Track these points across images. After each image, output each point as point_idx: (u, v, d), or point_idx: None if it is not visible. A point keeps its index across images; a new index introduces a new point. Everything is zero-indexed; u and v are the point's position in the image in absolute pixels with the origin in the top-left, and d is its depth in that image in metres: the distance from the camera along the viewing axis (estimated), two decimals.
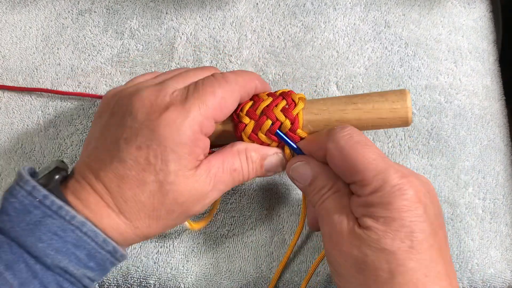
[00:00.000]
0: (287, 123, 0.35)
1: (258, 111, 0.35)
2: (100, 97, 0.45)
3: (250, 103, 0.36)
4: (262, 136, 0.36)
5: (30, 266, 0.29)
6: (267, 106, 0.35)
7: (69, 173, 0.33)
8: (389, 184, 0.30)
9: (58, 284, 0.30)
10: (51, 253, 0.29)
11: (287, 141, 0.36)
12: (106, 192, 0.31)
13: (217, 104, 0.33)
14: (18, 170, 0.32)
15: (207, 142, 0.33)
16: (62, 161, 0.34)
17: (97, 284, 0.41)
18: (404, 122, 0.35)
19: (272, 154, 0.36)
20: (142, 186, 0.31)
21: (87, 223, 0.30)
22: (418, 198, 0.30)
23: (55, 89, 0.46)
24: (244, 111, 0.35)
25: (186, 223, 0.38)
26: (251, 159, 0.35)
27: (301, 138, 0.36)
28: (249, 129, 0.35)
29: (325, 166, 0.34)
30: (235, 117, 0.36)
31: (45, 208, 0.30)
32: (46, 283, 0.29)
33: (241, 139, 0.36)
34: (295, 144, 0.36)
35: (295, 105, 0.36)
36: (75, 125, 0.45)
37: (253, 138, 0.36)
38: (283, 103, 0.35)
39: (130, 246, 0.42)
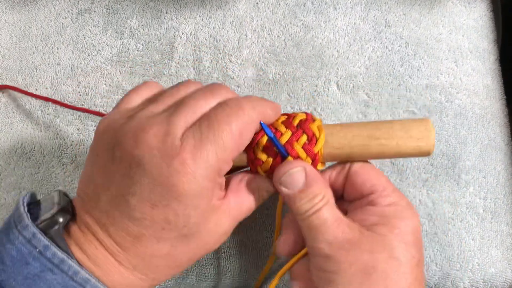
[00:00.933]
0: (308, 160, 0.33)
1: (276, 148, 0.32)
2: (101, 114, 0.43)
3: (266, 138, 0.32)
4: (259, 153, 0.33)
5: None
6: (287, 141, 0.32)
7: (70, 209, 0.30)
8: (405, 203, 0.32)
9: None
10: None
11: (282, 151, 0.33)
12: (118, 250, 0.28)
13: (235, 142, 0.29)
14: (17, 204, 0.28)
15: (224, 181, 0.31)
16: (66, 195, 0.31)
17: None
18: (426, 155, 0.34)
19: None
20: (162, 243, 0.28)
21: (92, 279, 0.27)
22: (419, 227, 0.32)
23: (54, 89, 0.46)
24: (261, 147, 0.32)
25: None
26: (262, 198, 0.33)
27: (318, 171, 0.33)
28: (267, 165, 0.33)
29: (320, 175, 0.33)
30: (250, 153, 0.33)
31: (46, 261, 0.27)
32: None
33: (255, 172, 0.34)
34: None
35: (317, 140, 0.33)
36: (75, 125, 0.45)
37: (269, 172, 0.33)
38: (303, 139, 0.33)
39: None
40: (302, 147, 0.32)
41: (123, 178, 0.28)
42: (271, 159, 0.32)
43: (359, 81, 0.45)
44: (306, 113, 0.34)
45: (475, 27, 0.47)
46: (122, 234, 0.28)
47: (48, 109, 0.45)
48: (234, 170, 0.35)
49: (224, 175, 0.31)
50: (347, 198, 0.35)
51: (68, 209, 0.29)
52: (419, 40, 0.47)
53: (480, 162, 0.44)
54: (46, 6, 0.48)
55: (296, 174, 0.32)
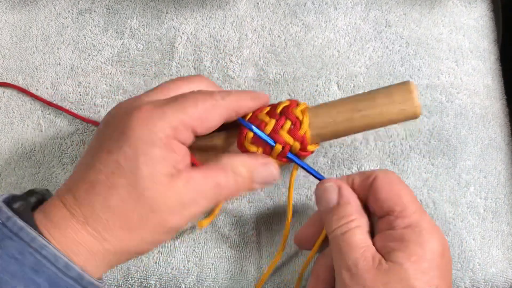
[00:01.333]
0: (297, 144, 0.34)
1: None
2: (95, 122, 0.44)
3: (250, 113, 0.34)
4: (249, 145, 0.34)
5: None
6: (272, 130, 0.34)
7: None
8: (427, 223, 0.31)
9: None
10: (6, 278, 0.26)
11: (308, 169, 0.34)
12: (74, 202, 0.29)
13: (197, 114, 0.30)
14: None
15: (184, 151, 0.31)
16: (47, 190, 0.33)
17: None
18: (414, 118, 0.34)
19: (263, 166, 0.33)
20: (111, 190, 0.29)
21: (48, 246, 0.27)
22: (446, 247, 0.31)
23: (55, 89, 0.46)
24: (249, 140, 0.34)
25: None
26: (239, 173, 0.32)
27: (312, 152, 0.35)
28: (250, 134, 0.34)
29: (355, 196, 0.33)
30: (242, 148, 0.34)
31: (6, 230, 0.27)
32: None
33: None
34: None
35: (301, 123, 0.34)
36: (75, 125, 0.45)
37: None
38: (288, 124, 0.34)
39: None
40: (288, 133, 0.33)
41: (96, 138, 0.31)
42: (261, 149, 0.34)
43: (360, 81, 0.45)
44: (290, 100, 0.35)
45: (475, 27, 0.47)
46: (80, 185, 0.29)
47: (48, 109, 0.45)
48: None
49: None
50: (373, 212, 0.34)
51: (39, 191, 0.31)
52: (419, 40, 0.47)
53: (481, 162, 0.44)
54: (47, 6, 0.48)
55: (330, 189, 0.33)
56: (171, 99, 0.31)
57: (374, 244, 0.31)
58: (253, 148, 0.34)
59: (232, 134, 0.36)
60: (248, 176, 0.33)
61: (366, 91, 0.36)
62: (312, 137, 0.34)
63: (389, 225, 0.31)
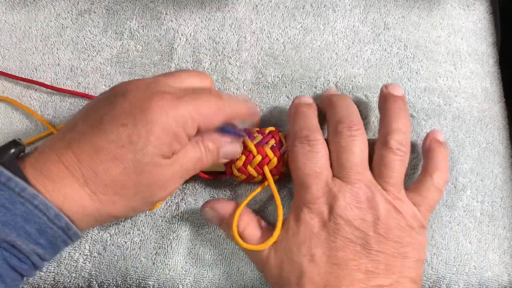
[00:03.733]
0: (275, 160, 0.39)
1: (252, 167, 0.39)
2: (88, 96, 0.46)
3: (242, 159, 0.39)
4: (250, 169, 0.39)
5: None
6: (259, 162, 0.39)
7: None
8: (306, 196, 0.36)
9: (5, 259, 0.29)
10: None
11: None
12: (75, 162, 0.30)
13: (207, 113, 0.34)
14: None
15: (186, 142, 0.34)
16: (19, 139, 0.34)
17: (96, 284, 0.42)
18: None
19: (228, 143, 0.37)
20: (117, 161, 0.31)
21: (39, 196, 0.29)
22: (322, 216, 0.35)
23: None
24: (237, 167, 0.39)
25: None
26: (208, 148, 0.36)
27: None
28: (239, 162, 0.39)
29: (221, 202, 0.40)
30: (228, 169, 0.40)
31: None
32: None
33: (230, 173, 0.40)
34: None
35: (282, 144, 0.39)
36: None
37: (242, 171, 0.39)
38: (272, 142, 0.39)
39: (127, 246, 0.42)
40: (270, 148, 0.39)
41: (106, 105, 0.32)
42: (244, 157, 0.39)
43: (358, 83, 0.45)
44: (276, 128, 0.41)
45: (474, 30, 0.47)
46: (84, 146, 0.31)
47: (47, 109, 0.45)
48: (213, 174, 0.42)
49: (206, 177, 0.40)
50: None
51: (21, 143, 0.33)
52: (418, 43, 0.47)
53: (478, 165, 0.44)
54: (46, 7, 0.48)
55: (210, 212, 0.40)
56: (189, 93, 0.34)
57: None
58: (239, 175, 0.40)
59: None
60: (216, 151, 0.36)
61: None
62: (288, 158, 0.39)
63: None
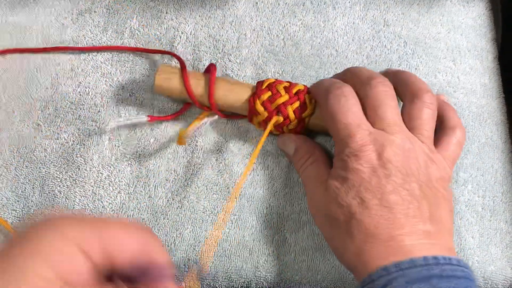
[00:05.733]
0: (295, 123, 0.40)
1: (274, 105, 0.40)
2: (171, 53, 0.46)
3: (268, 94, 0.40)
4: (258, 105, 0.40)
5: None
6: (283, 103, 0.40)
7: None
8: (352, 145, 0.35)
9: None
10: None
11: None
12: None
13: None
14: None
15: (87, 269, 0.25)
16: None
17: None
18: None
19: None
20: None
21: None
22: (372, 166, 0.35)
23: (55, 89, 0.46)
24: (261, 101, 0.40)
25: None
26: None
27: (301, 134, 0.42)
28: (261, 117, 0.41)
29: (305, 139, 0.41)
30: (251, 102, 0.40)
31: None
32: None
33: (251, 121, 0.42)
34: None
35: (306, 108, 0.40)
36: (76, 125, 0.45)
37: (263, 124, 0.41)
38: (296, 104, 0.40)
39: None
40: (293, 111, 0.40)
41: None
42: (266, 113, 0.40)
43: None
44: (304, 85, 0.41)
45: (473, 26, 0.48)
46: None
47: (48, 108, 0.45)
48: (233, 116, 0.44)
49: (223, 116, 0.43)
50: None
51: None
52: (417, 39, 0.47)
53: (478, 160, 0.44)
54: (47, 7, 0.48)
55: (287, 140, 0.41)
56: None
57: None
58: (260, 108, 0.40)
59: (246, 86, 0.42)
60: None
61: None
62: (309, 122, 0.41)
63: (334, 151, 0.37)
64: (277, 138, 0.42)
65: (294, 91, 0.40)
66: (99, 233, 0.24)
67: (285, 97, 0.40)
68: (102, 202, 0.43)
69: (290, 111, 0.40)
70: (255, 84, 0.42)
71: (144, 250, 0.26)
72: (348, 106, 0.36)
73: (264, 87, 0.40)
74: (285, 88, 0.40)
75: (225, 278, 0.41)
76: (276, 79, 0.42)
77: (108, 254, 0.24)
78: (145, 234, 0.27)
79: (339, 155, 0.36)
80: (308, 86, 0.41)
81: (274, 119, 0.40)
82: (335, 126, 0.37)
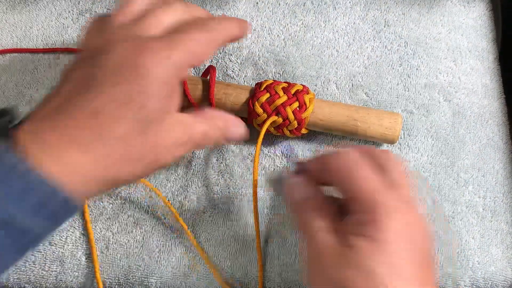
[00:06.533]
0: (295, 123, 0.40)
1: (273, 107, 0.40)
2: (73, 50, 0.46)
3: (267, 95, 0.40)
4: (257, 106, 0.40)
5: None
6: (282, 104, 0.40)
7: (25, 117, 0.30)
8: (385, 204, 0.29)
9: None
10: None
11: (291, 157, 0.41)
12: (73, 127, 0.28)
13: (199, 51, 0.32)
14: None
15: (180, 92, 0.32)
16: (11, 108, 0.31)
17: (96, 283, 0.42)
18: (391, 143, 0.42)
19: (235, 126, 0.36)
20: (118, 122, 0.28)
21: (36, 169, 0.27)
22: (409, 227, 0.29)
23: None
24: (260, 103, 0.40)
25: None
26: (218, 126, 0.34)
27: (303, 134, 0.42)
28: (261, 119, 0.40)
29: (318, 189, 0.33)
30: (250, 105, 0.40)
31: None
32: None
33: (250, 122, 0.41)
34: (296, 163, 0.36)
35: (306, 108, 0.40)
36: None
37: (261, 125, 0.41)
38: (295, 105, 0.40)
39: (129, 245, 0.42)
40: (293, 112, 0.40)
41: (92, 65, 0.29)
42: (265, 115, 0.40)
43: (358, 81, 0.46)
44: (303, 85, 0.41)
45: (474, 27, 0.48)
46: (81, 110, 0.28)
47: None
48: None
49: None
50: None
51: (11, 110, 0.30)
52: (418, 40, 0.47)
53: (479, 160, 0.44)
54: (47, 7, 0.48)
55: (298, 186, 0.33)
56: (176, 35, 0.31)
57: (341, 227, 0.30)
58: (259, 109, 0.40)
59: (243, 88, 0.42)
60: (223, 132, 0.34)
61: (364, 105, 0.42)
62: (309, 122, 0.41)
63: (351, 209, 0.30)
64: (287, 180, 0.35)
65: (292, 91, 0.40)
66: (188, 60, 0.31)
67: (283, 98, 0.40)
68: (102, 202, 0.43)
69: (289, 111, 0.40)
70: (254, 85, 0.42)
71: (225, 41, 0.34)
72: None
73: (262, 88, 0.40)
74: (283, 89, 0.40)
75: (229, 277, 0.41)
76: (274, 80, 0.42)
77: (191, 65, 0.31)
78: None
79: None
80: (308, 86, 0.41)
81: (271, 119, 0.40)
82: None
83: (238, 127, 0.36)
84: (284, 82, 0.41)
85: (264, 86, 0.40)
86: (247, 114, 0.41)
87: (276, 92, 0.40)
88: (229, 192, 0.43)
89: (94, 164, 0.28)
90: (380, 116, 0.41)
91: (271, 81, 0.41)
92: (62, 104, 0.29)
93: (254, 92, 0.40)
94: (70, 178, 0.27)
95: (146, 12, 0.33)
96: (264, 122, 0.40)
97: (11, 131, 0.28)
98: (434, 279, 0.30)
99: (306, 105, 0.40)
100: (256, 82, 0.43)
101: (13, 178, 0.26)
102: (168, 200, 0.43)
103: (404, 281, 0.27)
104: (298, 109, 0.40)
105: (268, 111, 0.40)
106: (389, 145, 0.43)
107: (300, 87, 0.41)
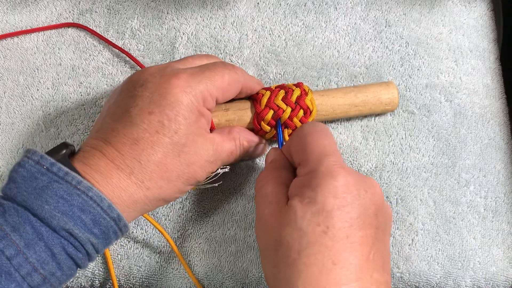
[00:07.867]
0: (301, 112, 0.40)
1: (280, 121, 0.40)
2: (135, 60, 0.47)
3: (271, 112, 0.40)
4: (264, 126, 0.40)
5: (35, 228, 0.30)
6: (289, 117, 0.40)
7: (77, 149, 0.35)
8: (325, 167, 0.30)
9: (63, 247, 0.30)
10: (57, 214, 0.30)
11: (280, 134, 0.40)
12: (117, 155, 0.32)
13: (223, 86, 0.36)
14: (25, 147, 0.33)
15: (209, 116, 0.36)
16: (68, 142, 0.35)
17: (99, 283, 0.41)
18: (391, 111, 0.45)
19: (258, 145, 0.40)
20: (156, 147, 0.33)
21: (93, 188, 0.31)
22: (348, 190, 0.30)
23: (56, 89, 0.46)
24: (266, 121, 0.40)
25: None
26: (243, 146, 0.39)
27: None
28: (270, 135, 0.41)
29: (282, 156, 0.36)
30: (256, 124, 0.40)
31: (52, 174, 0.31)
32: (51, 245, 0.30)
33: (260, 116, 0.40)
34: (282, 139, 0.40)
35: (311, 113, 0.40)
36: (76, 125, 0.45)
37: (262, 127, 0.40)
38: (301, 113, 0.40)
39: (131, 245, 0.42)
40: (300, 120, 0.40)
41: (128, 98, 0.34)
42: (273, 131, 0.41)
43: (360, 81, 0.46)
44: (299, 86, 0.41)
45: (475, 27, 0.48)
46: (122, 140, 0.33)
47: (49, 109, 0.45)
48: None
49: None
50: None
51: (70, 144, 0.34)
52: (419, 40, 0.47)
53: (480, 161, 0.44)
54: (48, 7, 0.48)
55: (270, 152, 0.38)
56: (203, 69, 0.36)
57: (287, 190, 0.33)
58: (266, 128, 0.40)
59: (242, 109, 0.41)
60: (247, 149, 0.39)
61: (359, 85, 0.44)
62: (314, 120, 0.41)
63: (298, 173, 0.33)
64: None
65: (293, 99, 0.40)
66: (213, 92, 0.35)
67: (288, 111, 0.40)
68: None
69: (296, 122, 0.40)
70: (251, 101, 0.41)
71: (243, 87, 0.39)
72: None
73: (263, 106, 0.39)
74: (283, 99, 0.40)
75: (232, 279, 0.41)
76: (269, 87, 0.41)
77: (217, 99, 0.36)
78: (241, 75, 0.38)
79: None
80: (310, 86, 0.41)
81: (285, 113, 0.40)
82: None
83: (259, 147, 0.41)
84: (279, 86, 0.41)
85: (264, 102, 0.40)
86: (253, 130, 0.41)
87: (279, 107, 0.40)
88: (230, 193, 0.43)
89: (137, 187, 0.33)
90: (378, 94, 0.42)
91: (267, 93, 0.40)
92: (108, 137, 0.33)
93: (256, 111, 0.40)
94: (118, 199, 0.32)
95: (181, 59, 0.38)
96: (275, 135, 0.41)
97: (69, 159, 0.33)
98: (380, 245, 0.30)
99: (310, 110, 0.40)
100: (251, 96, 0.41)
101: (74, 196, 0.30)
102: None
103: (339, 241, 0.28)
104: (303, 116, 0.40)
105: (274, 107, 0.40)
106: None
107: (298, 92, 0.40)
